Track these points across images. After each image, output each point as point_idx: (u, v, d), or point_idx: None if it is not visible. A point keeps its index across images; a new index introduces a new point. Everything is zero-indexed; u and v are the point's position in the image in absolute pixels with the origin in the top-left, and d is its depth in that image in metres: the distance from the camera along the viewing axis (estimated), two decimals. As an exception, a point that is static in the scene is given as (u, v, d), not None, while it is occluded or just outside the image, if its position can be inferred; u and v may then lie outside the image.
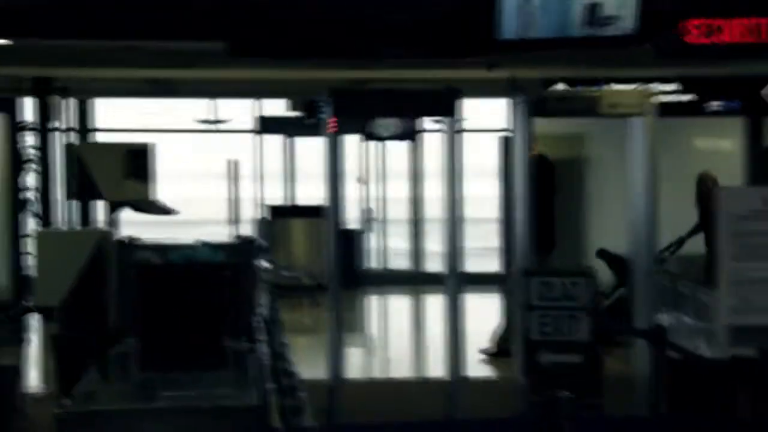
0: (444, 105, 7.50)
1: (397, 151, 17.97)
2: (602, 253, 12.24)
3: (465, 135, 9.19)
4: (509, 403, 7.75)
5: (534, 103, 7.84)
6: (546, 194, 10.84)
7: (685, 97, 13.54)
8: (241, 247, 7.14)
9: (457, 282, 8.03)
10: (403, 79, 12.24)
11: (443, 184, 8.13)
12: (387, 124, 16.17)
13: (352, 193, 16.70)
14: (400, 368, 10.99)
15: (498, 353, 10.89)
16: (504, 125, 16.91)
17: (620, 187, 9.84)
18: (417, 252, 17.49)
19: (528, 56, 7.55)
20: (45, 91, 13.61)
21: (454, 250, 7.96)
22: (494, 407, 8.26)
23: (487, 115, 17.12)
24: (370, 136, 16.68)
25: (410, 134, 16.89)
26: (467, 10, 6.75)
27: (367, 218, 17.67)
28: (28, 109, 13.59)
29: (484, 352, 11.03)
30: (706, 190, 10.74)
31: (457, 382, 7.95)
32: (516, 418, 6.98)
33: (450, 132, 7.69)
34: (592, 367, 7.40)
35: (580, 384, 7.27)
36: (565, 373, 7.31)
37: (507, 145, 12.22)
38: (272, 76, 13.43)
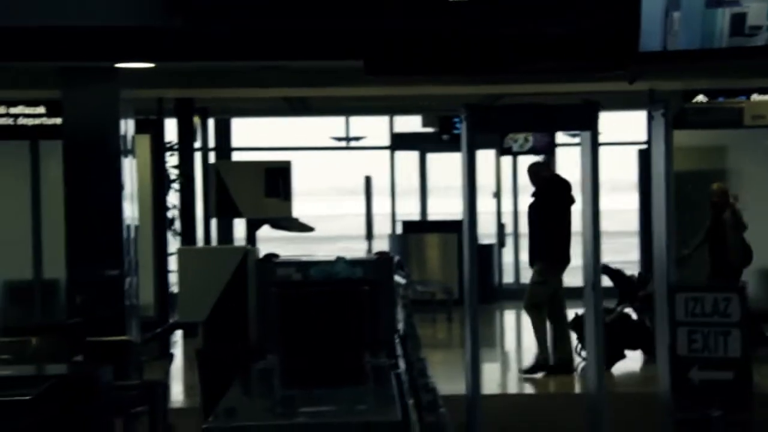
0: (583, 118, 7.41)
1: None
2: (606, 270, 12.15)
3: (601, 148, 9.09)
4: (652, 419, 7.62)
5: (674, 115, 7.70)
6: (561, 212, 10.90)
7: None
8: (379, 263, 7.17)
9: (596, 296, 7.92)
10: (539, 93, 12.18)
11: (581, 197, 8.04)
12: (523, 138, 16.11)
13: (486, 207, 16.66)
14: (537, 383, 10.90)
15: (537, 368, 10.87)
16: (636, 138, 16.72)
17: (765, 198, 9.68)
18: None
19: (669, 68, 7.44)
20: (186, 112, 13.92)
21: (593, 264, 7.86)
22: (638, 424, 8.13)
23: (614, 127, 16.90)
24: (505, 150, 16.64)
25: (546, 148, 16.78)
26: (610, 24, 6.68)
27: (502, 233, 17.59)
28: (171, 129, 13.92)
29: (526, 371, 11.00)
30: (715, 201, 11.27)
31: (598, 397, 7.84)
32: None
33: (589, 145, 7.60)
34: (742, 383, 7.23)
35: (730, 400, 7.11)
36: (715, 389, 7.15)
37: (645, 158, 12.06)
38: (407, 93, 13.51)
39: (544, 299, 10.97)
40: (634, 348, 11.11)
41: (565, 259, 11.04)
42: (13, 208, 11.02)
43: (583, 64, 6.98)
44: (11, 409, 5.58)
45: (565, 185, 11.15)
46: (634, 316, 11.24)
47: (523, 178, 18.05)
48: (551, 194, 11.05)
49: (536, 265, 11.02)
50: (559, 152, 17.57)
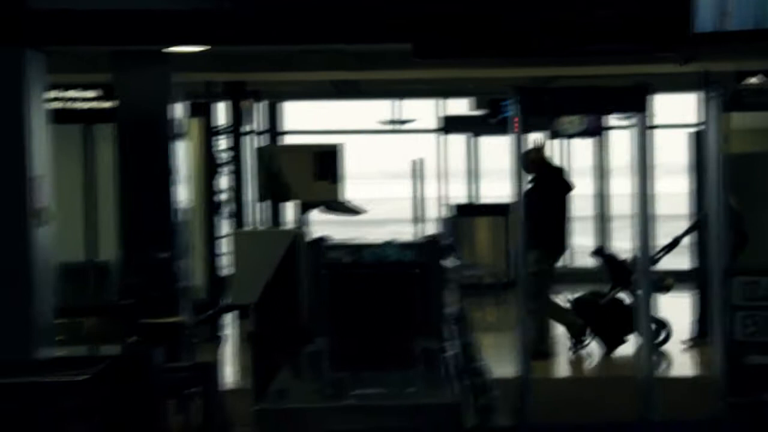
0: (635, 101, 7.36)
1: (583, 147, 17.76)
2: (599, 253, 12.06)
3: (653, 131, 9.03)
4: (705, 403, 7.57)
5: (728, 97, 7.62)
6: (558, 199, 10.86)
7: None
8: (430, 246, 7.17)
9: (648, 279, 7.88)
10: (589, 75, 12.10)
11: (633, 180, 7.99)
12: (573, 121, 16.02)
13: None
14: (589, 366, 10.86)
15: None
16: (688, 120, 16.57)
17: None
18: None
19: (723, 49, 7.36)
20: (237, 95, 13.98)
21: (646, 248, 7.81)
22: (689, 407, 8.08)
23: (666, 110, 16.76)
24: (555, 133, 16.55)
25: (596, 131, 16.68)
26: (662, 5, 6.62)
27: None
28: (222, 113, 13.98)
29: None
30: None
31: (649, 381, 7.80)
32: (715, 420, 6.82)
33: (641, 128, 7.55)
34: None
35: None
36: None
37: (698, 140, 11.94)
38: (456, 76, 13.47)
39: (546, 285, 10.99)
40: (628, 332, 11.08)
41: (562, 247, 11.01)
42: (67, 192, 11.12)
43: (636, 46, 6.93)
44: (66, 390, 5.65)
45: (559, 172, 11.15)
46: (628, 300, 11.23)
47: (575, 161, 17.99)
48: (548, 181, 11.05)
49: (532, 254, 10.99)
50: (611, 135, 17.47)
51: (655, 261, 11.16)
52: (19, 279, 6.53)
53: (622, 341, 10.98)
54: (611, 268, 11.44)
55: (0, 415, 5.54)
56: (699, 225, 11.48)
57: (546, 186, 11.05)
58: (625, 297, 11.19)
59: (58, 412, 5.56)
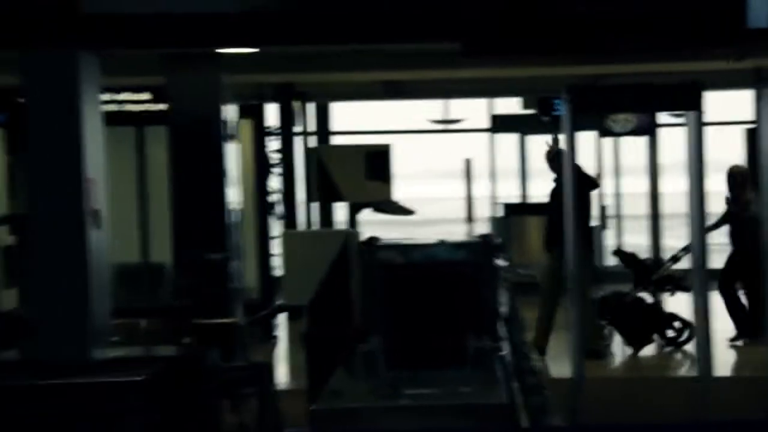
0: (688, 98, 7.30)
1: (634, 145, 17.64)
2: (619, 253, 11.94)
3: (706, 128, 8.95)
4: (763, 403, 7.49)
5: (783, 93, 7.54)
6: (582, 198, 10.76)
7: None
8: (481, 246, 7.15)
9: (703, 278, 7.81)
10: (638, 72, 12.02)
11: (686, 179, 7.92)
12: (624, 119, 15.90)
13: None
14: (643, 366, 10.79)
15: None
16: (741, 117, 16.40)
17: None
18: (656, 248, 17.11)
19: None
20: (287, 97, 14.03)
21: (701, 246, 7.75)
22: (746, 407, 8.00)
23: (717, 107, 16.60)
24: (606, 131, 16.45)
25: (648, 129, 16.55)
26: (716, 0, 6.56)
27: (603, 215, 17.42)
28: (272, 114, 14.04)
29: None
30: (733, 183, 11.06)
31: (706, 381, 7.74)
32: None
33: (694, 126, 7.49)
34: None
35: None
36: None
37: (752, 137, 11.84)
38: (505, 75, 13.43)
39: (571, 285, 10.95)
40: (653, 332, 10.99)
41: (587, 246, 10.94)
42: (121, 194, 11.21)
43: (689, 42, 6.86)
44: (124, 390, 5.70)
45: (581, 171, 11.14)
46: (650, 300, 11.15)
47: (625, 159, 17.87)
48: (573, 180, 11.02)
49: (555, 252, 10.93)
50: (662, 133, 17.33)
51: (677, 260, 11.15)
52: (76, 280, 6.58)
53: (649, 341, 10.90)
54: (632, 268, 11.38)
55: (59, 414, 5.60)
56: (725, 221, 11.39)
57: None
58: (646, 297, 11.12)
59: (116, 412, 5.61)
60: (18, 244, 8.04)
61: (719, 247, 11.79)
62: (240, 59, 9.91)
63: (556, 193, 11.14)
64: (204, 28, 7.28)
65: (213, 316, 8.05)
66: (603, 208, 17.54)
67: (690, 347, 10.79)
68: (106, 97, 10.73)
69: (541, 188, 18.19)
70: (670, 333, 10.96)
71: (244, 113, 11.56)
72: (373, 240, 7.15)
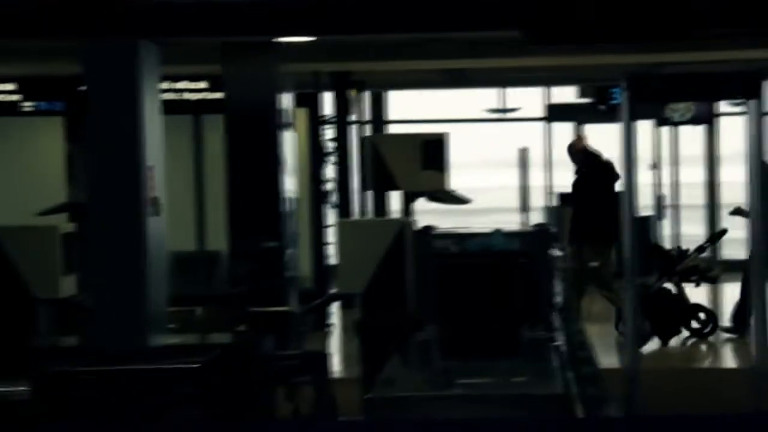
0: (748, 87, 7.19)
1: (691, 135, 17.46)
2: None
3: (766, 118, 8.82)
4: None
5: None
6: (606, 190, 10.64)
7: None
8: (537, 235, 7.13)
9: (763, 268, 7.70)
10: (697, 61, 11.89)
11: (745, 168, 7.81)
12: (682, 108, 15.75)
13: (644, 179, 16.36)
14: (699, 357, 10.70)
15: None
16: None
17: None
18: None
19: None
20: (342, 85, 14.04)
21: (760, 237, 7.64)
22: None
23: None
24: (664, 120, 16.31)
25: (706, 118, 16.38)
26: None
27: (660, 205, 17.27)
28: (328, 103, 14.05)
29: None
30: None
31: (763, 372, 7.63)
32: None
33: (754, 115, 7.38)
34: None
35: None
36: None
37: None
38: (563, 63, 13.34)
39: (610, 276, 10.88)
40: (680, 323, 10.89)
41: (612, 239, 10.86)
42: (178, 182, 11.29)
43: (752, 29, 6.76)
44: (181, 376, 5.75)
45: (605, 163, 10.97)
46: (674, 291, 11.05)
47: (684, 149, 17.70)
48: (595, 172, 10.94)
49: (587, 248, 10.88)
50: (721, 122, 17.14)
51: (703, 250, 11.06)
52: (134, 268, 6.65)
53: (676, 332, 10.82)
54: (656, 259, 11.29)
55: (116, 400, 5.66)
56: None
57: (592, 178, 10.97)
58: (671, 288, 11.04)
59: (173, 399, 5.66)
60: (77, 232, 8.12)
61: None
62: (296, 48, 9.93)
63: (579, 186, 11.13)
64: (262, 17, 7.31)
65: (268, 305, 8.09)
66: (660, 198, 17.40)
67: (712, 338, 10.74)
68: (164, 85, 10.81)
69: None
70: (695, 324, 10.89)
71: (299, 102, 11.59)
72: (428, 229, 7.14)
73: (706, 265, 10.94)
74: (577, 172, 11.26)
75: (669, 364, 10.53)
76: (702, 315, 10.93)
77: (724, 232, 11.86)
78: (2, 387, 6.14)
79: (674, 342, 10.83)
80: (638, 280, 10.97)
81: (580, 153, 11.22)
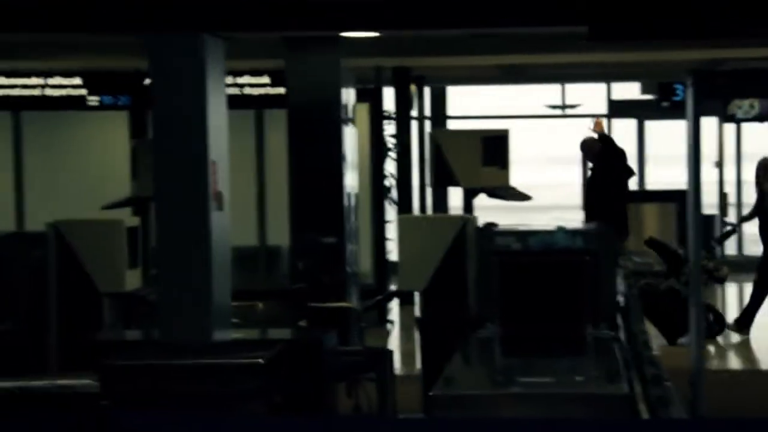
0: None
1: (757, 132, 17.26)
2: (652, 243, 11.59)
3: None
4: None
5: None
6: (619, 187, 10.49)
7: None
8: (600, 233, 7.07)
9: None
10: (759, 57, 11.74)
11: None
12: (747, 104, 15.56)
13: (708, 176, 16.19)
14: (759, 359, 10.57)
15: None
16: None
17: None
18: None
19: None
20: (404, 81, 14.02)
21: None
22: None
23: None
24: (728, 117, 16.12)
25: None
26: None
27: (724, 203, 17.09)
28: (389, 98, 14.05)
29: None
30: (762, 174, 10.92)
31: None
32: None
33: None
34: None
35: None
36: None
37: None
38: (625, 59, 13.23)
39: None
40: (684, 323, 10.75)
41: (625, 234, 10.74)
42: (239, 176, 11.34)
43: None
44: (245, 372, 5.77)
45: (621, 156, 10.88)
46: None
47: (747, 146, 17.48)
48: (608, 170, 10.85)
49: None
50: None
51: (710, 249, 10.94)
52: (198, 262, 6.68)
53: (683, 332, 10.68)
54: (665, 259, 11.17)
55: (181, 394, 5.69)
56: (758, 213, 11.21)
57: (605, 175, 10.90)
58: (680, 288, 10.92)
59: (238, 393, 5.68)
60: (142, 226, 8.19)
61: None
62: (358, 43, 9.92)
63: (594, 183, 11.05)
64: (325, 12, 7.31)
65: (328, 300, 8.10)
66: (723, 196, 17.21)
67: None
68: (227, 80, 10.87)
69: (658, 175, 17.94)
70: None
71: (361, 97, 11.60)
72: (490, 226, 7.11)
73: (715, 265, 10.83)
74: (592, 170, 11.20)
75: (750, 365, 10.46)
76: (710, 315, 10.82)
77: (732, 231, 11.73)
78: (70, 380, 6.20)
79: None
80: (642, 281, 10.95)
81: (594, 147, 11.15)
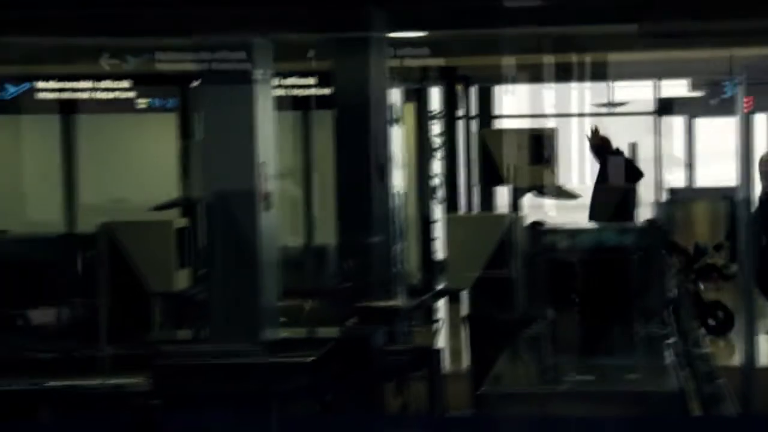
0: None
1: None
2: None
3: None
4: None
5: None
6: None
7: None
8: (649, 231, 7.04)
9: None
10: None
11: None
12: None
13: (757, 174, 16.03)
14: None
15: None
16: None
17: None
18: None
19: None
20: (450, 80, 14.01)
21: None
22: None
23: None
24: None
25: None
26: None
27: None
28: (435, 97, 14.05)
29: None
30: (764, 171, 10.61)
31: None
32: None
33: None
34: None
35: None
36: None
37: None
38: (674, 56, 13.14)
39: None
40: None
41: None
42: (286, 177, 11.39)
43: None
44: (294, 370, 5.80)
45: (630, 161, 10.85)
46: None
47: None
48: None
49: None
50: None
51: (720, 248, 10.81)
52: (248, 262, 6.72)
53: None
54: (678, 258, 11.05)
55: (230, 394, 5.73)
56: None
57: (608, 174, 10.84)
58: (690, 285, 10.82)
59: (287, 392, 5.71)
60: (190, 226, 8.25)
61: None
62: (404, 43, 9.93)
63: (598, 180, 10.97)
64: (371, 13, 7.33)
65: (375, 299, 8.11)
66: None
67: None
68: (274, 81, 10.91)
69: (708, 172, 17.78)
70: (711, 322, 10.67)
71: (408, 97, 11.61)
72: (538, 224, 7.09)
73: (724, 263, 10.74)
74: (600, 172, 11.17)
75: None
76: (720, 313, 10.72)
77: None
78: (121, 380, 6.26)
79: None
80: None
81: (599, 148, 11.11)
